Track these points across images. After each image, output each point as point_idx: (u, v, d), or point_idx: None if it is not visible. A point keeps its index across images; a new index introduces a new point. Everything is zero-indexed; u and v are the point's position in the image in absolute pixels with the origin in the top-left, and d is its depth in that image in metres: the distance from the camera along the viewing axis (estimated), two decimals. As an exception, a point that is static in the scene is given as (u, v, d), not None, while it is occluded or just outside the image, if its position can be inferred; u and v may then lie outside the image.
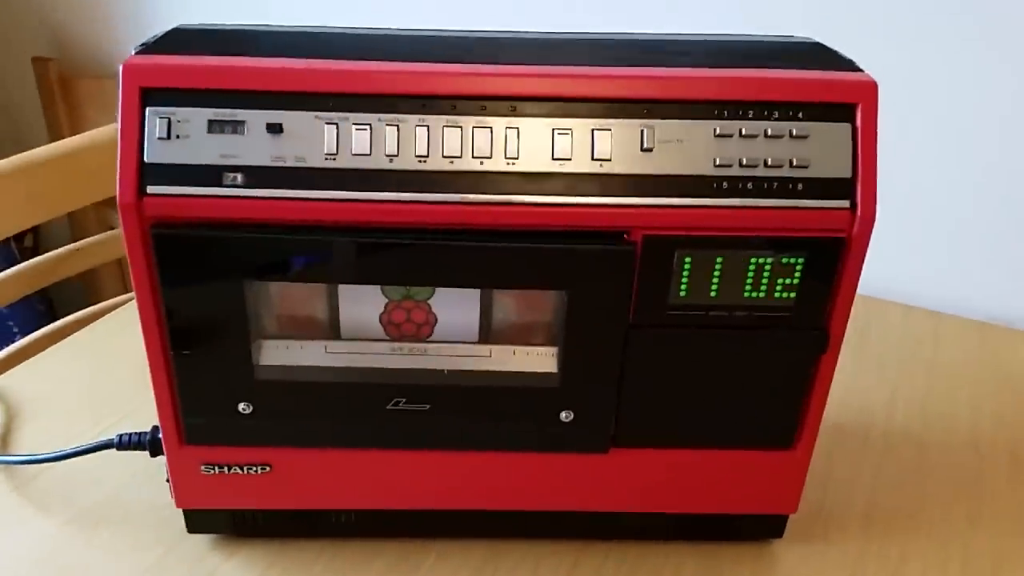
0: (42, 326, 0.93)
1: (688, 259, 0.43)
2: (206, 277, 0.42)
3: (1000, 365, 0.73)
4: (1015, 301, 0.82)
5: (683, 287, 0.43)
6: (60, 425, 0.62)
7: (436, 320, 0.47)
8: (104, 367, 0.69)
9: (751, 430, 0.48)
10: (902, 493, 0.59)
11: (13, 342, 0.93)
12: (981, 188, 0.81)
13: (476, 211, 0.41)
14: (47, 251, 0.93)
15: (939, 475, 0.61)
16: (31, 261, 0.91)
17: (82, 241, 0.95)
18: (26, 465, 0.57)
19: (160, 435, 0.52)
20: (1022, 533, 0.56)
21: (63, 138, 0.95)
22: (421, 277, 0.43)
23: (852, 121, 0.42)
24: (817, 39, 0.50)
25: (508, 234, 0.42)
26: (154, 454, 0.52)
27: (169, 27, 0.47)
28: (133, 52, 0.43)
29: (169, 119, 0.41)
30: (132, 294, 0.97)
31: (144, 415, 0.63)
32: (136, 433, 0.52)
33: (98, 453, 0.53)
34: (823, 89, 0.42)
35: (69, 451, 0.53)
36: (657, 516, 0.52)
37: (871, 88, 0.42)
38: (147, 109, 0.41)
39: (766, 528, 0.53)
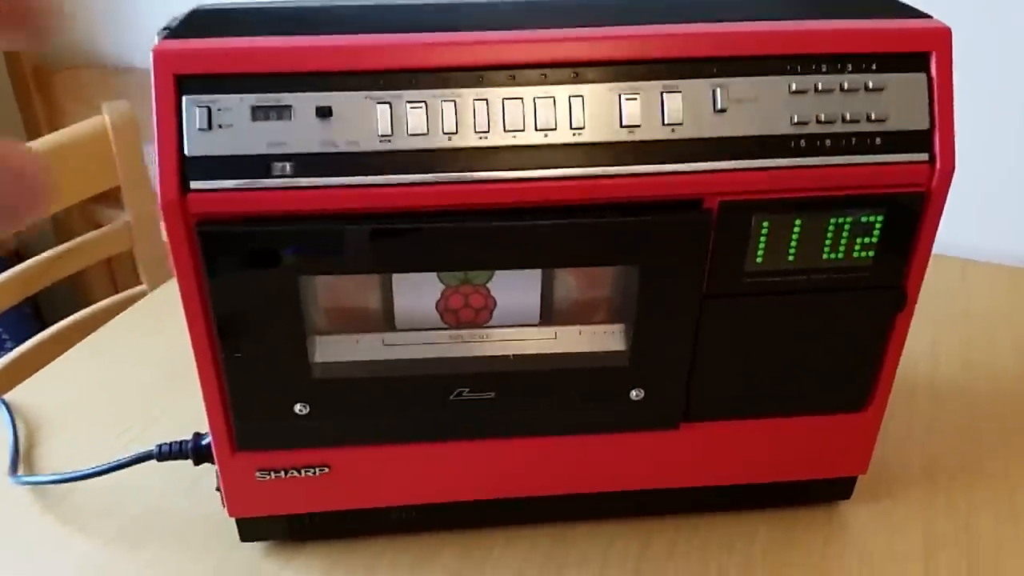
0: (31, 329, 0.89)
1: (766, 224, 0.41)
2: (258, 275, 0.40)
3: (1033, 309, 0.73)
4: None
5: (760, 253, 0.42)
6: (83, 438, 0.59)
7: (495, 304, 0.45)
8: (120, 373, 0.66)
9: (825, 394, 0.47)
10: (958, 445, 0.58)
11: (4, 348, 0.89)
12: (1001, 131, 0.80)
13: (543, 187, 0.39)
14: (31, 255, 0.89)
15: (992, 424, 0.60)
16: (16, 269, 0.87)
17: (68, 243, 0.90)
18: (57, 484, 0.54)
19: (203, 442, 0.49)
20: (1083, 477, 0.55)
21: (42, 135, 0.90)
22: (486, 260, 0.41)
23: (927, 71, 0.40)
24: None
25: (578, 209, 0.40)
26: (198, 462, 0.50)
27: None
28: (157, 38, 0.40)
29: (209, 108, 0.38)
30: (124, 294, 0.94)
31: (171, 419, 0.61)
32: (177, 442, 0.50)
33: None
34: (897, 38, 0.40)
35: (107, 466, 0.50)
36: (727, 487, 0.50)
37: (945, 35, 0.40)
38: (184, 98, 0.38)
39: (835, 490, 0.52)
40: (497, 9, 0.43)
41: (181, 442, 0.50)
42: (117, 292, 0.97)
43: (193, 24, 0.41)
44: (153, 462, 0.50)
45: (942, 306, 0.73)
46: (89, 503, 0.53)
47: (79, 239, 0.92)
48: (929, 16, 0.42)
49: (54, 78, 1.14)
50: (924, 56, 0.40)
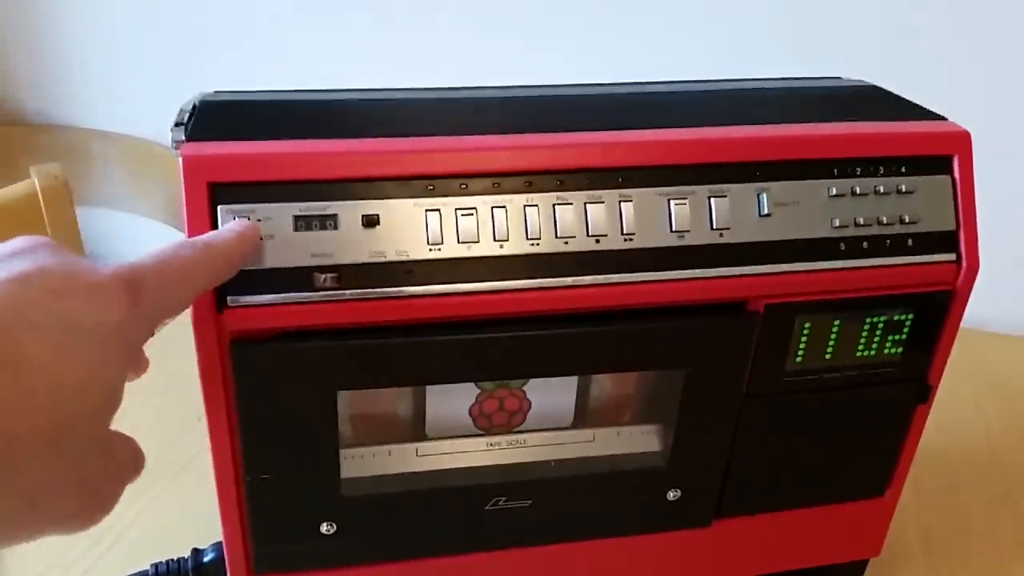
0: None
1: (807, 325, 0.41)
2: (295, 392, 0.37)
3: (988, 370, 0.76)
4: (986, 304, 0.86)
5: (800, 353, 0.42)
6: (48, 553, 0.54)
7: (530, 406, 0.43)
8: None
9: (847, 483, 0.47)
10: (946, 512, 0.60)
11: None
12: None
13: (596, 293, 0.38)
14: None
15: (972, 487, 0.62)
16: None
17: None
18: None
19: (205, 559, 0.46)
20: (1066, 543, 0.58)
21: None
22: (536, 368, 0.40)
23: (951, 172, 0.42)
24: (864, 79, 0.50)
25: (627, 314, 0.39)
26: (197, 582, 0.46)
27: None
28: (175, 137, 0.37)
29: (247, 218, 0.35)
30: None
31: (147, 524, 0.56)
32: (174, 560, 0.46)
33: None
34: (923, 141, 0.41)
35: (95, 592, 0.46)
36: (748, 578, 0.50)
37: (965, 138, 0.42)
38: (219, 208, 0.35)
39: (849, 572, 0.53)
40: (531, 107, 0.42)
41: (179, 560, 0.46)
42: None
43: (210, 119, 0.39)
44: (148, 585, 0.46)
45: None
46: (66, 630, 0.48)
47: None
48: (945, 118, 0.43)
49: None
50: (947, 159, 0.42)
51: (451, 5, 0.92)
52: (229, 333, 0.35)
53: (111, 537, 0.55)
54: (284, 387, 0.37)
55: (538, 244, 0.37)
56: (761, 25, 0.83)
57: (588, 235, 0.38)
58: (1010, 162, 0.82)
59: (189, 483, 0.59)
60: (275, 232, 0.35)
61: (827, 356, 0.42)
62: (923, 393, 0.45)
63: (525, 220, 0.37)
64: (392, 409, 0.42)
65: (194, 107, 0.40)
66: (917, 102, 0.45)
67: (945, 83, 0.80)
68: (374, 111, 0.41)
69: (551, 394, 0.43)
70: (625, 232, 0.38)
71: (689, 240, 0.39)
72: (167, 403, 0.66)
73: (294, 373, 0.37)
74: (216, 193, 0.35)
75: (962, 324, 0.83)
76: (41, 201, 0.87)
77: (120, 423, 0.67)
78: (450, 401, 0.42)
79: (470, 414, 0.43)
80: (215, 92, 0.43)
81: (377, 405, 0.42)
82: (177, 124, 0.39)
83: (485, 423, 0.43)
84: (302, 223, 0.35)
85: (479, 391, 0.42)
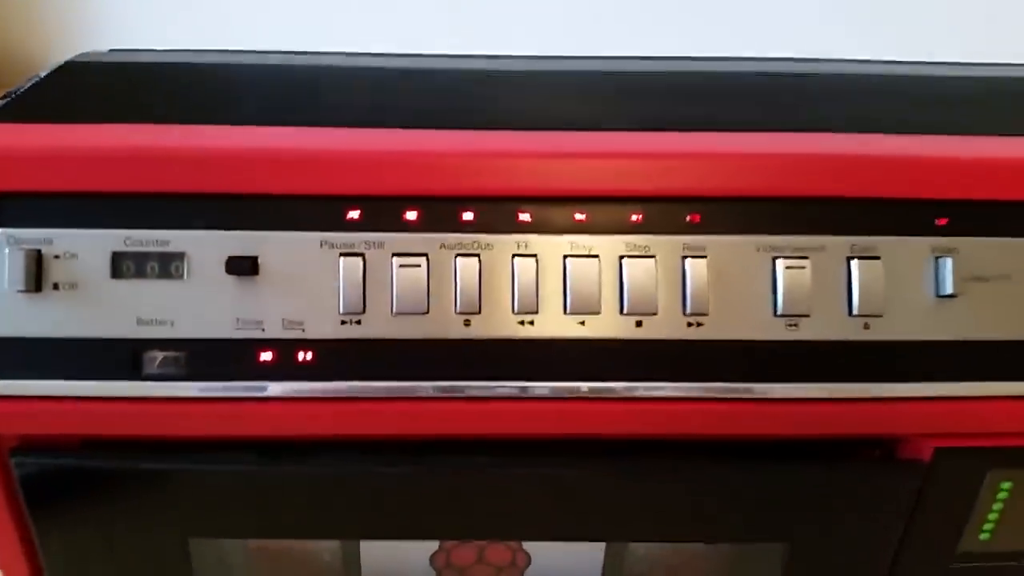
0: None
1: (1006, 485, 0.24)
2: (119, 535, 0.23)
3: None
4: None
5: (987, 527, 0.24)
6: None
7: (528, 561, 0.27)
8: None
9: None
10: None
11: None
12: None
13: (628, 410, 0.22)
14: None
15: None
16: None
17: None
18: None
19: None
20: None
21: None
22: (510, 529, 0.24)
23: None
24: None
25: (682, 450, 0.23)
26: None
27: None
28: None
29: (39, 253, 0.21)
30: None
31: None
32: None
33: None
34: None
35: None
36: None
37: None
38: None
39: None
40: (527, 82, 0.26)
41: None
42: None
43: (51, 91, 0.25)
44: None
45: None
46: None
47: None
48: None
49: None
50: None
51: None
52: (8, 439, 0.22)
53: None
54: (100, 528, 0.23)
55: (533, 322, 0.22)
56: None
57: (623, 313, 0.22)
58: None
59: None
60: (82, 279, 0.21)
61: (1036, 536, 0.25)
62: None
63: (514, 278, 0.22)
64: (314, 563, 0.28)
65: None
66: None
67: None
68: (278, 82, 0.26)
69: (562, 548, 0.27)
70: (691, 311, 0.22)
71: (806, 332, 0.22)
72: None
73: (113, 509, 0.22)
74: (-7, 208, 0.21)
75: None
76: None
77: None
78: (401, 546, 0.27)
79: (433, 566, 0.27)
80: (110, 51, 0.30)
81: (287, 548, 0.27)
82: (4, 95, 0.25)
83: (457, 580, 0.28)
84: (127, 265, 0.21)
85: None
